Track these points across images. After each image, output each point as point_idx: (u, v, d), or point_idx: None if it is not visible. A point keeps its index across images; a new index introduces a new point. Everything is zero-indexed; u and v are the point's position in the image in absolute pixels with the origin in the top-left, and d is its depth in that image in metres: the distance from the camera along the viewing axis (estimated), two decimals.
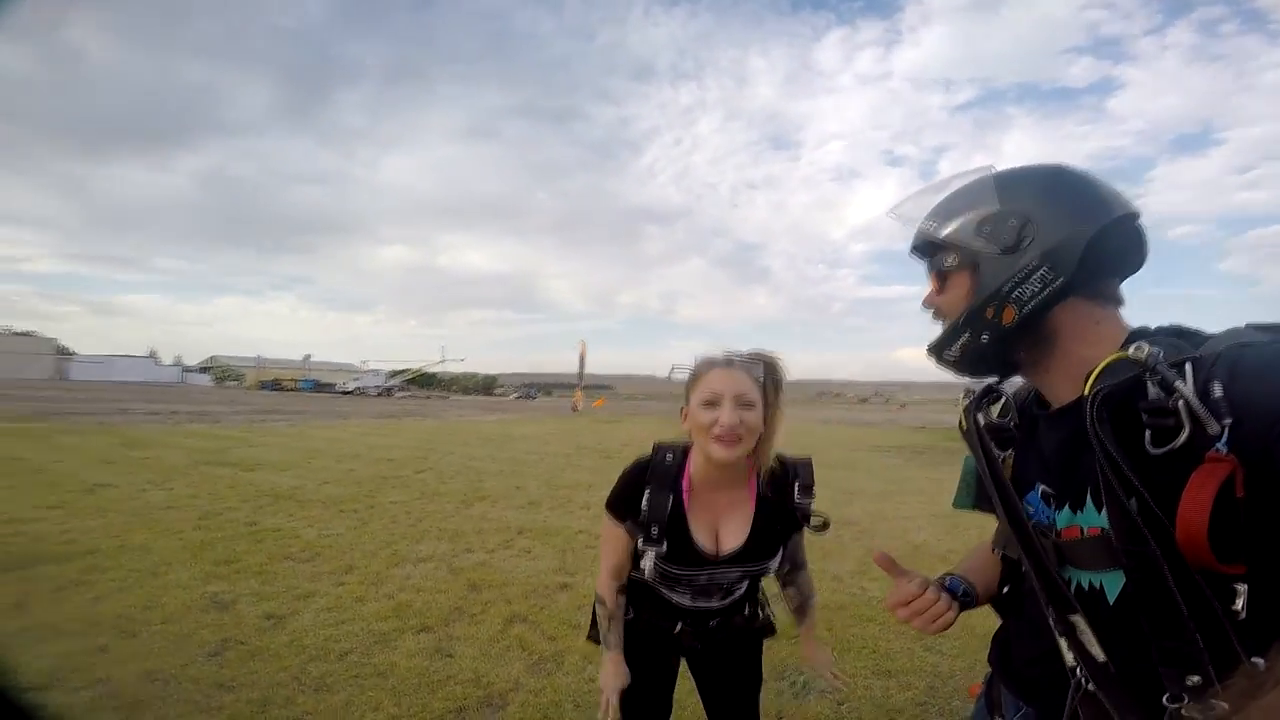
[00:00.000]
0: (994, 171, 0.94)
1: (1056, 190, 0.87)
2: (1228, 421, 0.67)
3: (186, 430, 15.24)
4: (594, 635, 1.67)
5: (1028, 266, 0.84)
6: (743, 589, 1.59)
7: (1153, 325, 0.85)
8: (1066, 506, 0.86)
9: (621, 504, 1.50)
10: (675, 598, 1.54)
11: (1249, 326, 0.78)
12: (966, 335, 0.91)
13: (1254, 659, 0.65)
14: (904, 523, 6.86)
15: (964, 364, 0.95)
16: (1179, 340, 0.77)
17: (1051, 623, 0.84)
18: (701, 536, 1.47)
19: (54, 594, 3.84)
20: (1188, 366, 0.72)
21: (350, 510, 6.71)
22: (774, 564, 1.53)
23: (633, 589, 1.60)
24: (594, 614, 1.67)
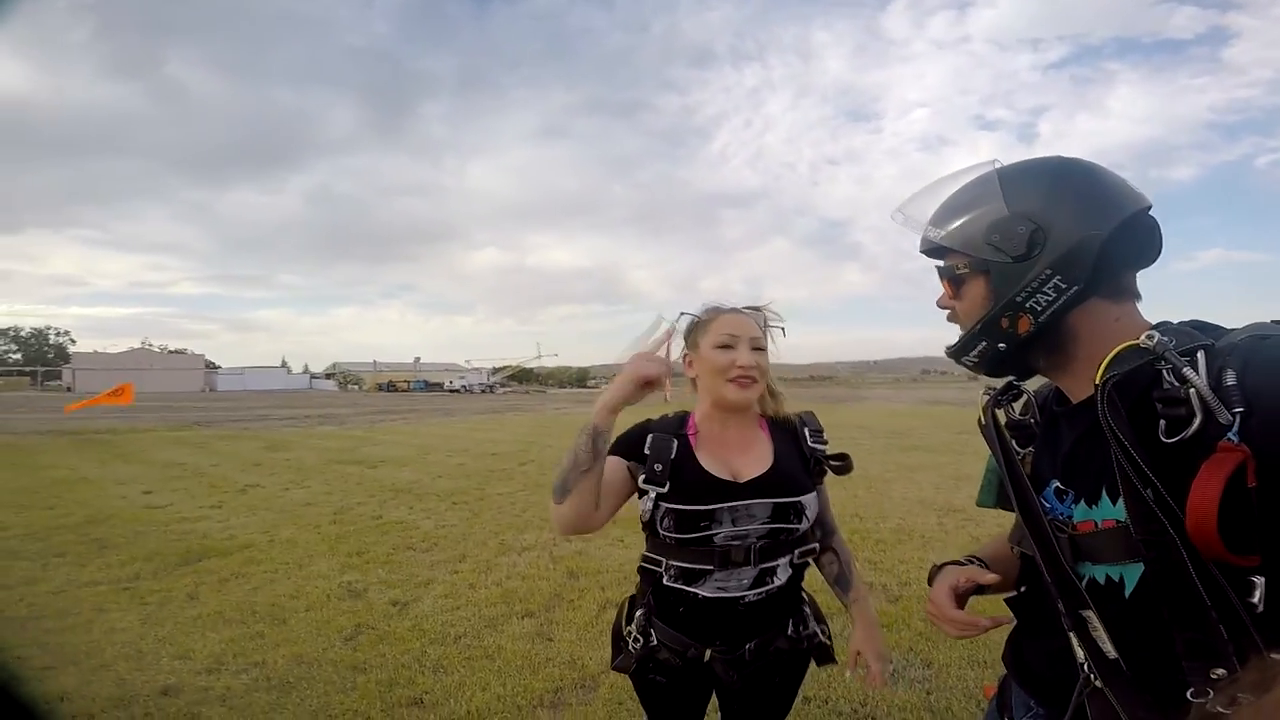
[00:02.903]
0: (997, 168, 0.92)
1: (1065, 191, 0.84)
2: (1239, 410, 0.66)
3: (318, 432, 16.81)
4: (619, 664, 1.49)
5: (1040, 276, 0.83)
6: (779, 566, 1.40)
7: (1175, 320, 0.83)
8: (1082, 502, 0.85)
9: (623, 443, 1.42)
10: (700, 590, 1.37)
11: (1273, 322, 0.76)
12: (984, 344, 0.91)
13: (1274, 654, 0.63)
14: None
15: (983, 368, 0.95)
16: (1196, 331, 0.76)
17: (1063, 617, 0.84)
18: (715, 468, 1.38)
19: (220, 585, 4.47)
20: (1200, 355, 0.71)
21: (463, 502, 7.25)
22: (810, 509, 1.41)
23: (656, 607, 1.43)
24: (615, 636, 1.53)
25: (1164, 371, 0.72)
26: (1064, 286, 0.83)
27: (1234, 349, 0.70)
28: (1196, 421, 0.69)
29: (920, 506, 6.54)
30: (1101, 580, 0.82)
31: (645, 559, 1.45)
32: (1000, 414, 1.00)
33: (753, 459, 1.41)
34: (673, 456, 1.38)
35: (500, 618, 3.77)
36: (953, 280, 0.94)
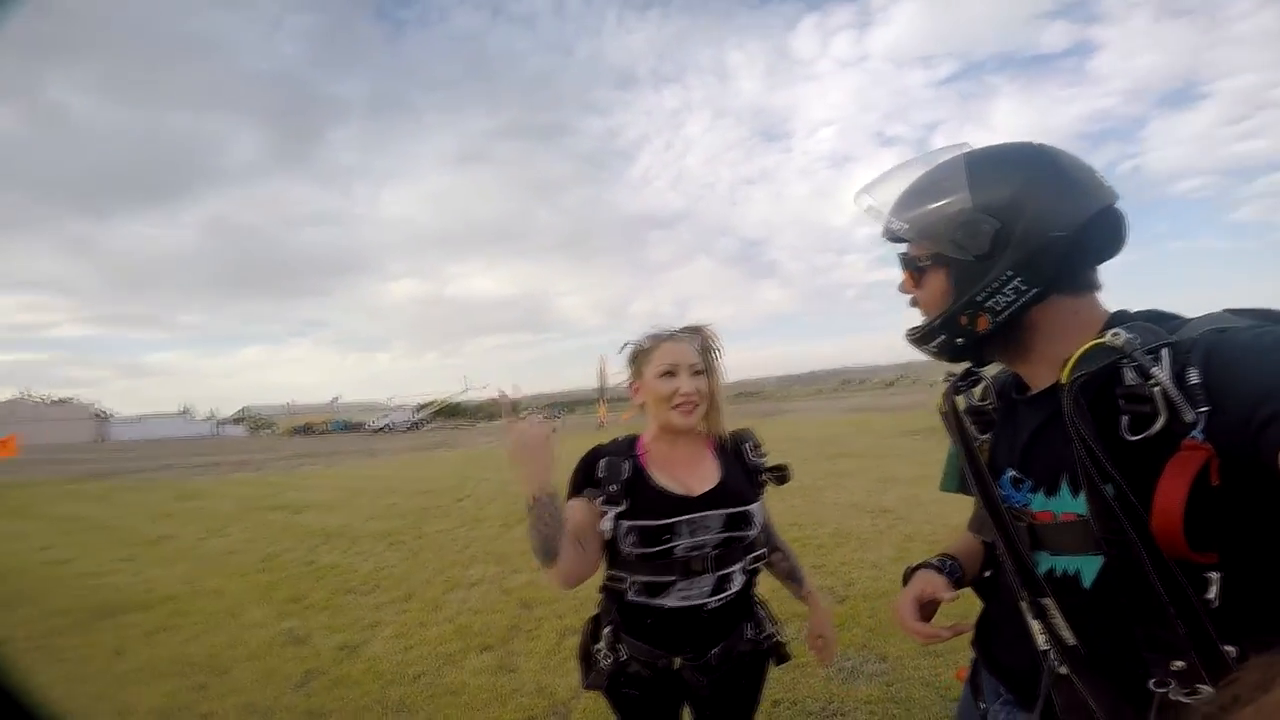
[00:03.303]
0: (966, 152, 0.90)
1: (1031, 188, 0.82)
2: (1204, 409, 0.67)
3: (232, 479, 15.75)
4: (592, 682, 1.51)
5: (1001, 276, 0.83)
6: (735, 573, 1.46)
7: (1132, 309, 0.84)
8: (1041, 492, 0.86)
9: (577, 479, 1.48)
10: (665, 601, 1.42)
11: (1226, 311, 0.76)
12: (942, 337, 0.92)
13: (1226, 646, 0.66)
14: (940, 506, 6.79)
15: (943, 357, 0.96)
16: (1156, 326, 0.75)
17: (1024, 605, 0.85)
18: (668, 484, 1.45)
19: (146, 638, 4.16)
20: (1164, 352, 0.71)
21: (400, 542, 6.99)
22: (757, 516, 1.48)
23: (622, 623, 1.47)
24: (584, 656, 1.55)
25: (1126, 368, 0.72)
26: (1024, 289, 0.83)
27: (1194, 345, 0.70)
28: (1161, 420, 0.69)
29: (854, 510, 6.80)
30: (1059, 572, 0.83)
31: (608, 578, 1.49)
32: (960, 400, 1.01)
33: (702, 474, 1.48)
34: (626, 477, 1.43)
35: (458, 653, 3.70)
36: (914, 270, 0.94)
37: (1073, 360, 0.76)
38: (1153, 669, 0.70)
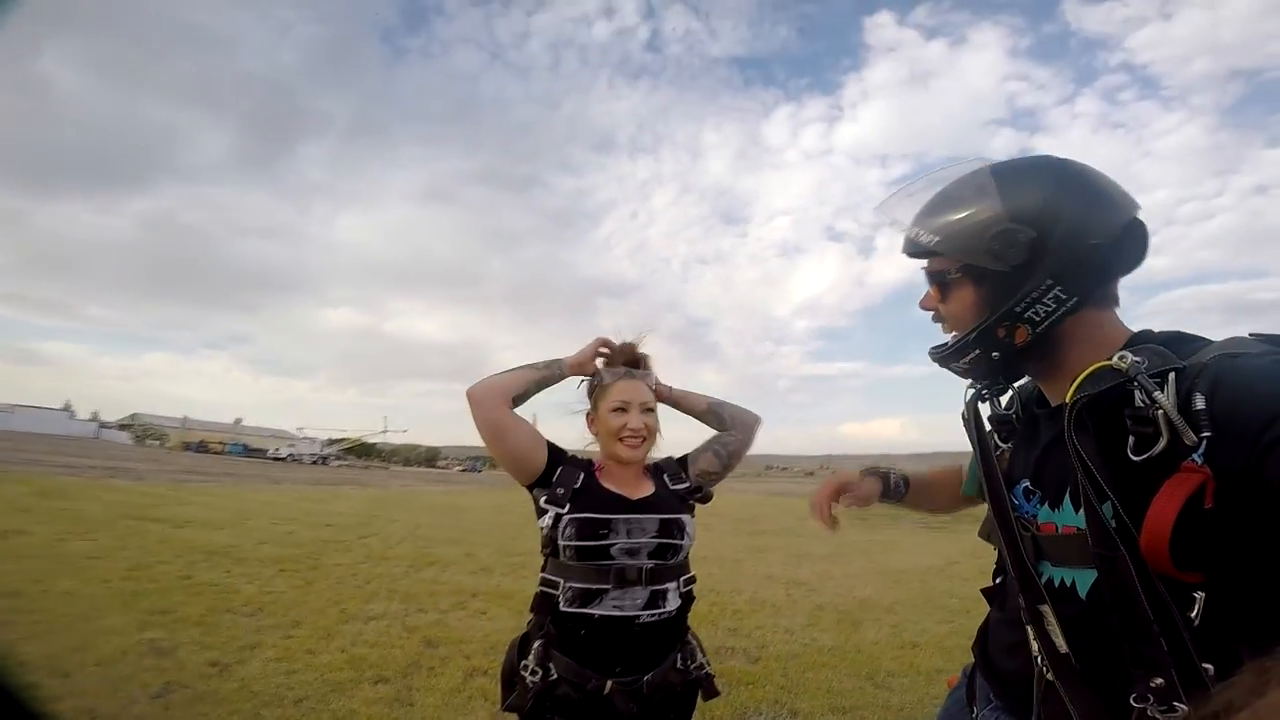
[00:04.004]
0: (990, 165, 0.88)
1: (1066, 197, 0.81)
2: (1207, 435, 0.67)
3: (105, 485, 14.24)
4: (512, 703, 1.43)
5: (1040, 286, 0.81)
6: (669, 591, 1.46)
7: (1156, 328, 0.85)
8: (1046, 504, 0.87)
9: (544, 482, 1.52)
10: (597, 610, 1.40)
11: (1251, 336, 0.76)
12: (976, 352, 0.88)
13: (1205, 664, 0.67)
14: (850, 580, 7.08)
15: (974, 375, 0.94)
16: (1167, 350, 0.75)
17: (1022, 610, 0.86)
18: (614, 487, 1.52)
19: None
20: (1170, 377, 0.71)
21: (292, 570, 6.41)
22: (689, 528, 1.52)
23: (555, 635, 1.42)
24: (507, 676, 1.49)
25: (1135, 390, 0.72)
26: (1064, 297, 0.81)
27: (1203, 370, 0.70)
28: (1163, 441, 0.69)
29: (769, 581, 6.91)
30: (1057, 582, 0.84)
31: (543, 583, 1.46)
32: (984, 407, 1.01)
33: (641, 489, 1.55)
34: (576, 485, 1.49)
35: (349, 683, 3.31)
36: (941, 284, 0.92)
37: (1077, 381, 0.76)
38: (1135, 684, 0.71)
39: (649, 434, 1.55)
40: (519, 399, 1.52)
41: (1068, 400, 0.76)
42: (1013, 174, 0.85)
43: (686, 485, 1.60)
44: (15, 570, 5.19)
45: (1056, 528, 0.84)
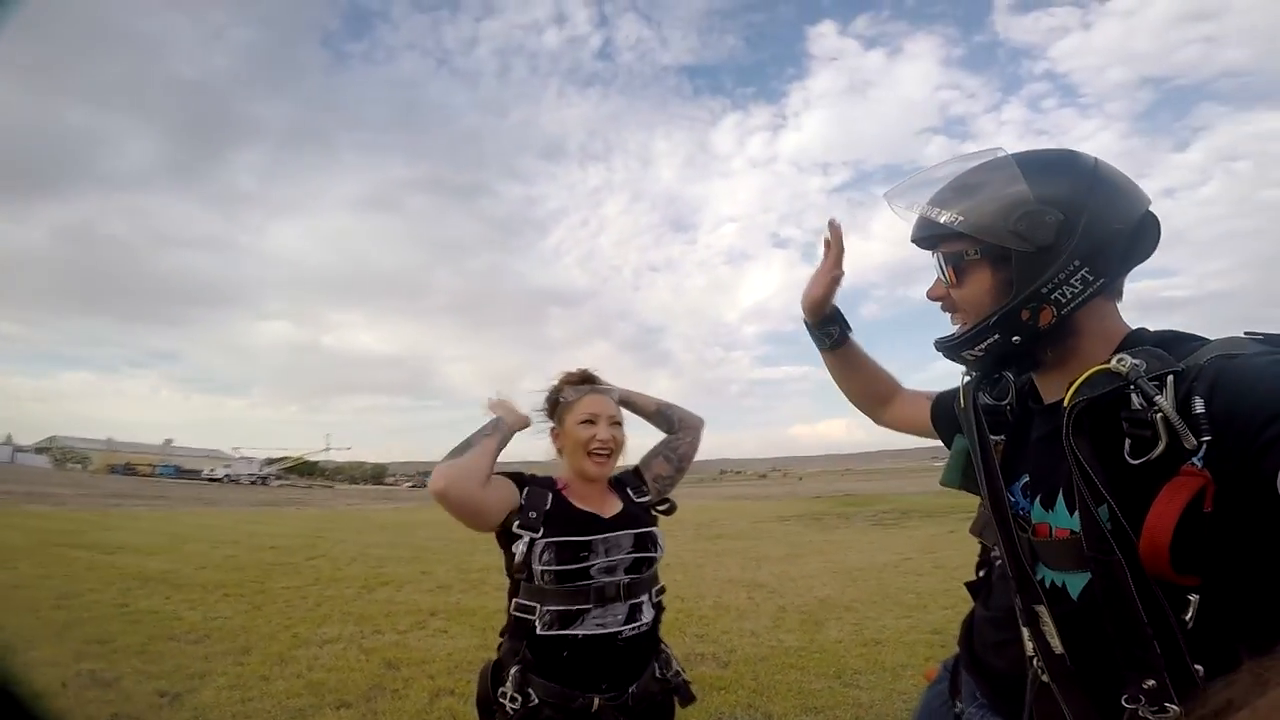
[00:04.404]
0: (1006, 153, 0.89)
1: (1094, 181, 0.81)
2: (1206, 438, 0.67)
3: (24, 511, 13.36)
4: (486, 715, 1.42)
5: (1068, 266, 0.80)
6: (644, 604, 1.48)
7: (1152, 327, 0.85)
8: (1038, 501, 0.87)
9: (510, 472, 1.52)
10: (580, 630, 1.39)
11: (1245, 335, 0.76)
12: (996, 336, 0.85)
13: (1195, 665, 0.67)
14: (808, 580, 7.18)
15: (986, 363, 0.90)
16: (1165, 351, 0.75)
17: (1018, 611, 0.84)
18: (585, 506, 1.52)
19: None
20: (1169, 379, 0.70)
21: (237, 594, 6.14)
22: (660, 537, 1.55)
23: (533, 660, 1.40)
24: (483, 704, 1.43)
25: (1132, 393, 0.71)
26: (1091, 279, 0.80)
27: (1201, 373, 0.70)
28: (1161, 445, 0.69)
29: (731, 585, 6.93)
30: (1049, 584, 0.83)
31: (518, 608, 1.42)
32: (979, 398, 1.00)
33: (609, 505, 1.55)
34: (547, 507, 1.47)
35: (309, 708, 3.20)
36: (956, 267, 0.89)
37: (1076, 384, 0.76)
38: (1127, 685, 0.71)
39: (616, 447, 1.55)
40: (466, 448, 1.43)
41: (1066, 404, 0.76)
42: (1036, 160, 0.86)
43: (648, 499, 1.61)
44: None
45: (1050, 529, 0.84)
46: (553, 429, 1.60)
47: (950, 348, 0.90)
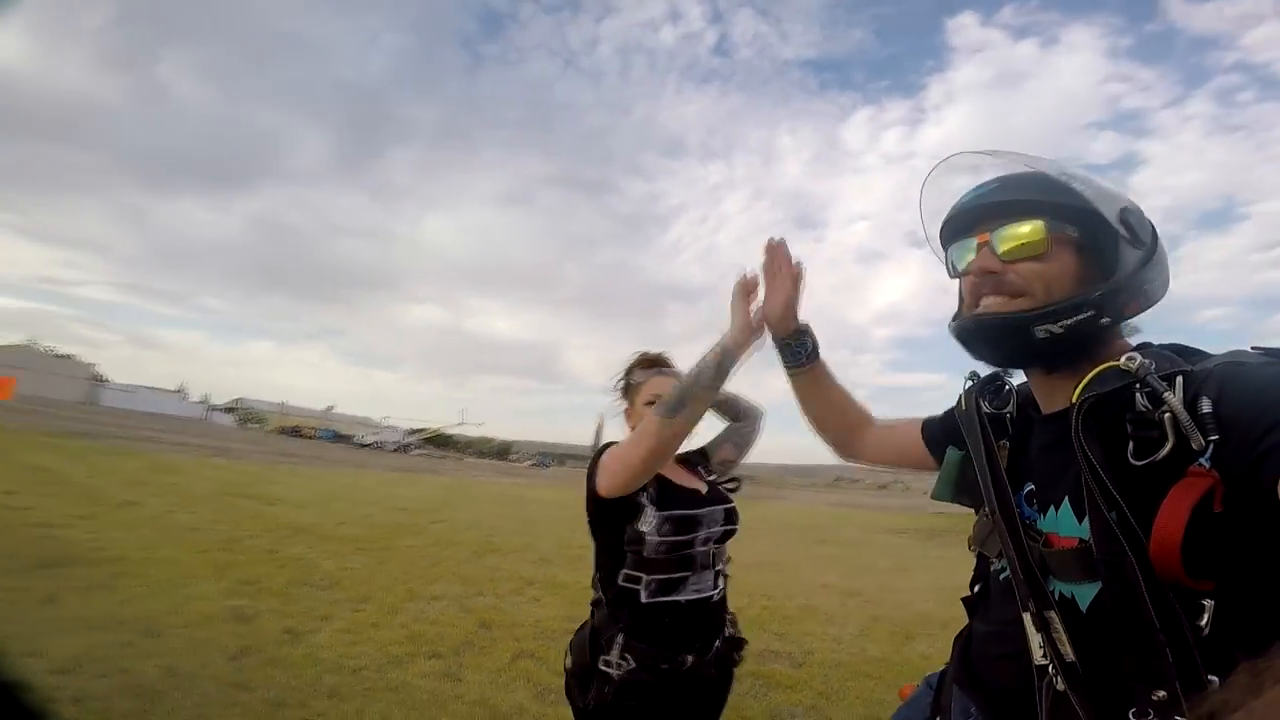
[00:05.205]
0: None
1: (1140, 211, 0.85)
2: (1214, 438, 0.66)
3: (210, 463, 15.54)
4: (599, 696, 1.44)
5: (1150, 271, 0.82)
6: (721, 571, 1.57)
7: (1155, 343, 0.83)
8: (1042, 511, 0.85)
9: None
10: (681, 596, 1.47)
11: (1253, 349, 0.75)
12: (1090, 313, 0.80)
13: (1210, 676, 0.64)
14: (909, 594, 6.84)
15: (1055, 343, 0.81)
16: (1175, 356, 0.75)
17: (1028, 619, 0.82)
18: (681, 483, 1.59)
19: (83, 593, 3.98)
20: (1178, 380, 0.70)
21: (367, 549, 6.81)
22: (739, 511, 1.64)
23: (634, 626, 1.46)
24: (583, 673, 1.49)
25: (1138, 394, 0.71)
26: (1160, 283, 0.84)
27: (1209, 375, 0.70)
28: (1168, 445, 0.68)
29: (824, 590, 6.75)
30: (1056, 595, 0.81)
31: (626, 579, 1.46)
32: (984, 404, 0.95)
33: (695, 481, 1.63)
34: (654, 483, 1.52)
35: (405, 656, 3.52)
36: (1056, 240, 0.83)
37: (1085, 380, 0.75)
38: (1136, 697, 0.68)
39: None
40: (680, 406, 1.33)
41: (1074, 400, 0.75)
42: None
43: (715, 478, 1.68)
44: (126, 538, 5.77)
45: (1057, 539, 0.82)
46: (626, 409, 1.68)
47: (1015, 320, 0.82)
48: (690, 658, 1.48)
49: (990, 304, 0.86)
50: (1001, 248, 0.85)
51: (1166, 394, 0.69)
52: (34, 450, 12.04)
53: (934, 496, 1.05)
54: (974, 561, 1.04)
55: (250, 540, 6.49)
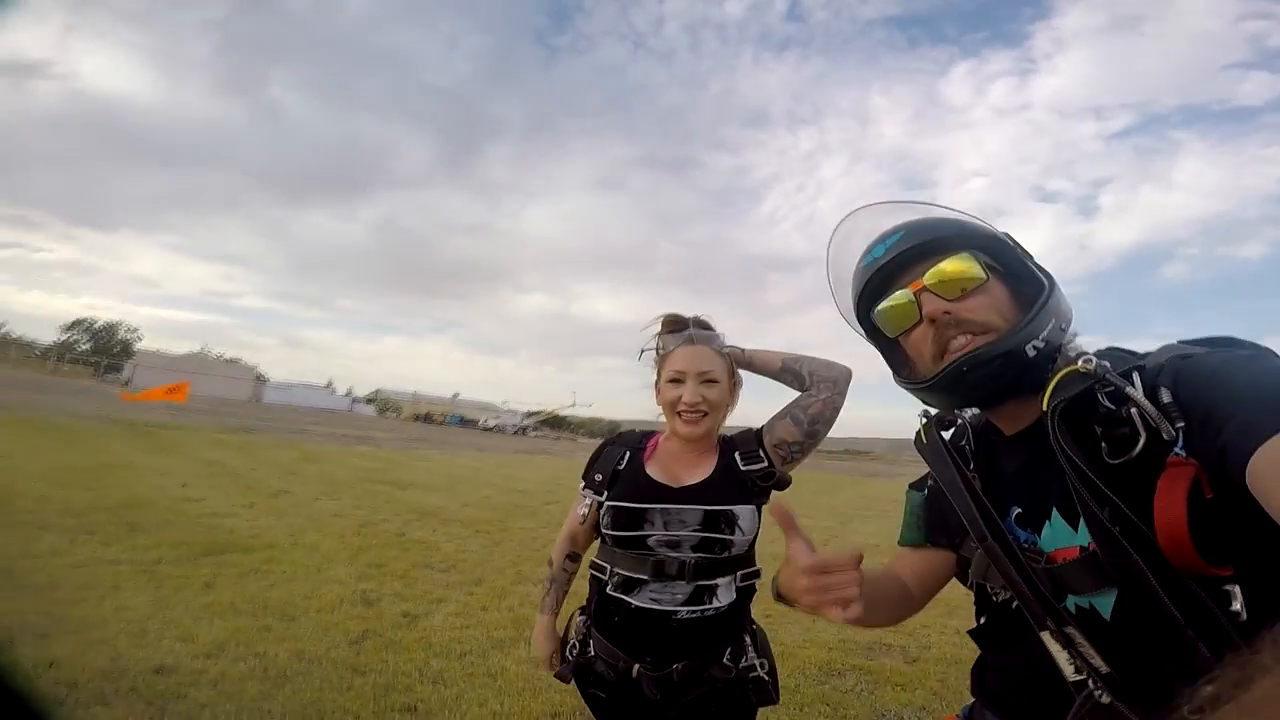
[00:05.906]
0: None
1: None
2: (1180, 425, 0.67)
3: (354, 451, 17.11)
4: (560, 673, 1.51)
5: (1058, 297, 0.84)
6: (720, 586, 1.37)
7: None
8: (1035, 530, 0.84)
9: (588, 469, 1.52)
10: (634, 600, 1.37)
11: (1180, 343, 0.78)
12: (1053, 321, 0.81)
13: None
14: None
15: (1042, 358, 0.80)
16: (1126, 354, 0.78)
17: (1048, 638, 0.79)
18: (658, 475, 1.44)
19: (237, 578, 4.50)
20: (1135, 375, 0.73)
21: (485, 531, 7.22)
22: (743, 520, 1.37)
23: (593, 617, 1.45)
24: (562, 645, 1.54)
25: (1099, 396, 0.73)
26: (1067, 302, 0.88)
27: (1161, 368, 0.72)
28: (1142, 440, 0.69)
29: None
30: (1073, 609, 0.79)
31: (593, 564, 1.47)
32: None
33: (695, 472, 1.44)
34: (618, 466, 1.45)
35: (509, 640, 3.69)
36: (987, 268, 0.85)
37: (1050, 387, 0.76)
38: (1180, 695, 0.59)
39: (711, 408, 1.41)
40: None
41: (1045, 406, 0.75)
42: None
43: (761, 467, 1.42)
44: (278, 525, 6.47)
45: (1057, 553, 0.81)
46: (655, 383, 1.52)
47: (1005, 346, 0.80)
48: (636, 667, 1.36)
49: (963, 344, 0.83)
50: (943, 288, 0.85)
51: (1130, 389, 0.71)
52: (207, 446, 13.79)
53: (901, 543, 1.03)
54: (975, 594, 0.99)
55: (383, 524, 7.07)
